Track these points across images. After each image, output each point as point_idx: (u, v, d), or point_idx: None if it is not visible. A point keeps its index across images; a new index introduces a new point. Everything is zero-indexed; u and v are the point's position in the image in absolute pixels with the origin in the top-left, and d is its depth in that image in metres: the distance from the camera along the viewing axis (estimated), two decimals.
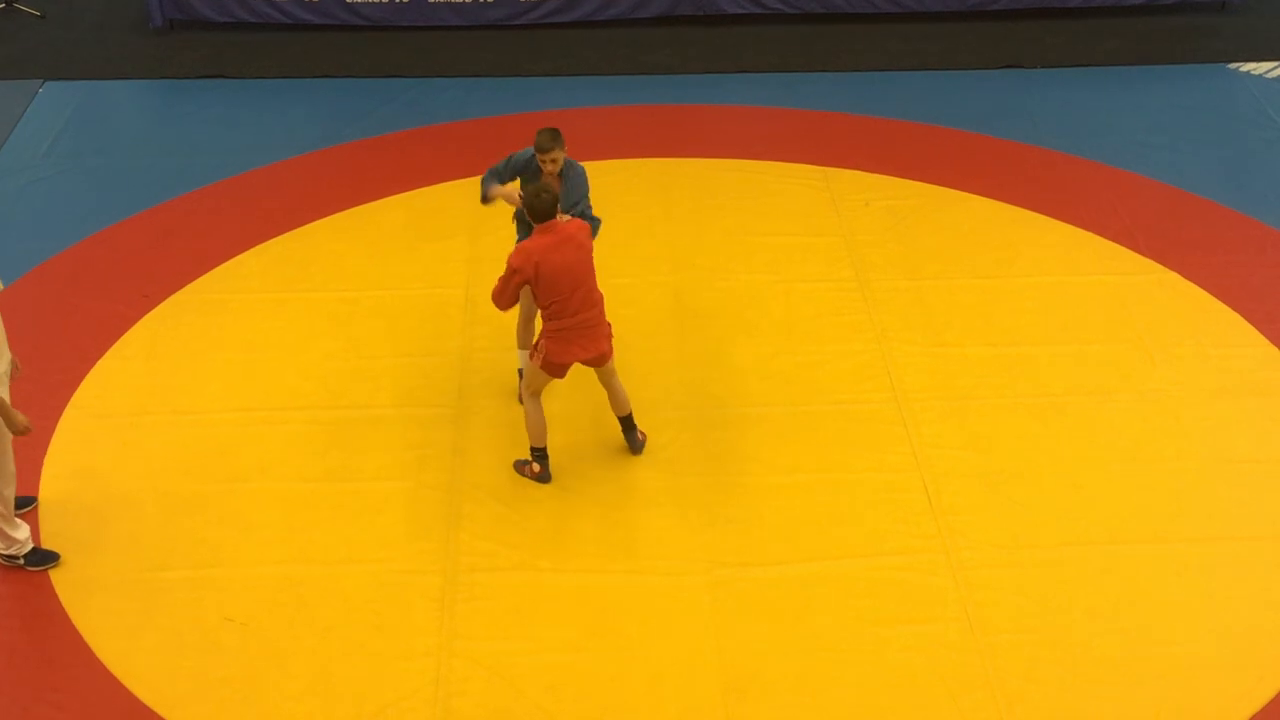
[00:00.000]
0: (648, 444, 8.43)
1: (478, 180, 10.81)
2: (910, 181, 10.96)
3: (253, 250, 10.16)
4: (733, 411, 8.72)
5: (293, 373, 9.04)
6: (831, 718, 6.92)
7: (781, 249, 10.17)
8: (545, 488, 8.18)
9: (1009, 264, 10.04)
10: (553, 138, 7.97)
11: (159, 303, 9.62)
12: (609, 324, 7.99)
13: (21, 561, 7.65)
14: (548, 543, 7.85)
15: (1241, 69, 12.75)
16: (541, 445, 8.17)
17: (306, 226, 10.43)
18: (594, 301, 7.80)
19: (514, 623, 7.39)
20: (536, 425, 8.11)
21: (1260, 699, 6.99)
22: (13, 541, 7.60)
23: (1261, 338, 9.32)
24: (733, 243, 10.23)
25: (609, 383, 8.20)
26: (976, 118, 11.88)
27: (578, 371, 8.33)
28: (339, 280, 9.88)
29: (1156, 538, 7.87)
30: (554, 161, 8.00)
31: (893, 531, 7.90)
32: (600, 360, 8.01)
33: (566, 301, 7.66)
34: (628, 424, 8.35)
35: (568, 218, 7.82)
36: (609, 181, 10.87)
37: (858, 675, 7.11)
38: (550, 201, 7.56)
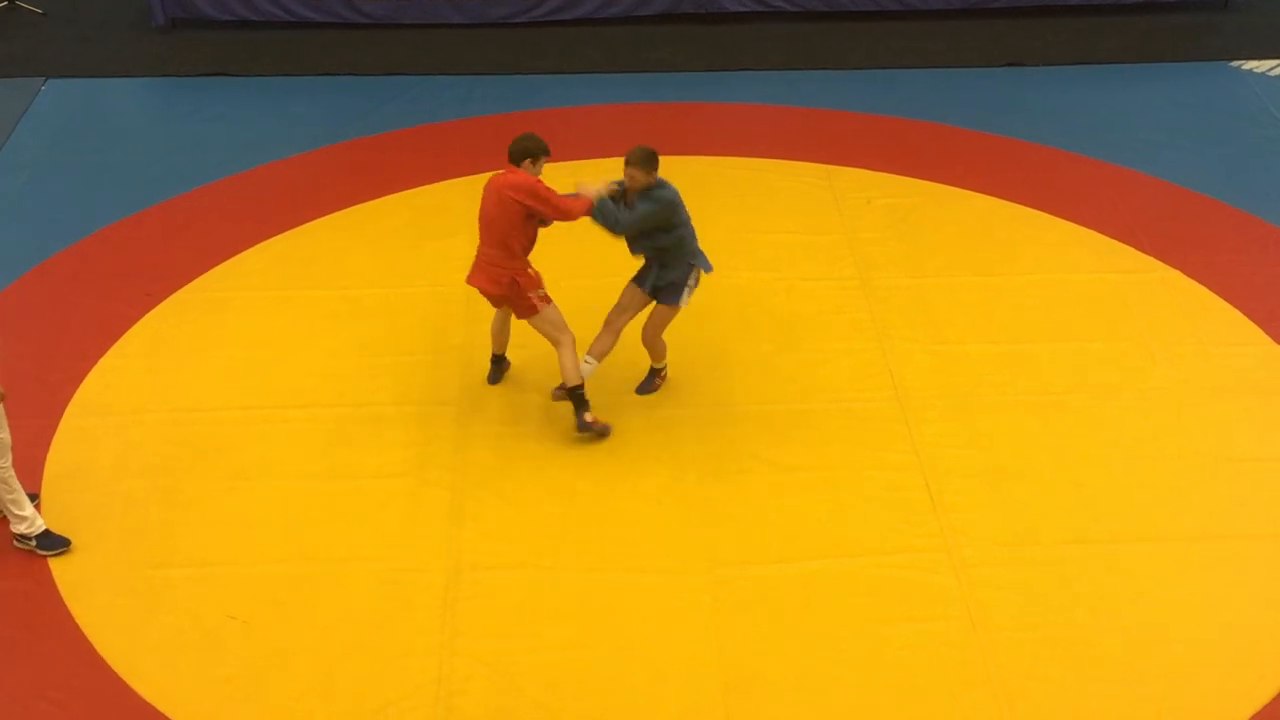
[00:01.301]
0: (650, 441, 8.43)
1: (479, 178, 10.89)
2: (912, 179, 10.96)
3: (255, 248, 10.16)
4: (734, 409, 8.72)
5: (294, 370, 9.04)
6: (832, 716, 6.92)
7: (783, 247, 10.18)
8: (548, 485, 8.17)
9: (1010, 262, 10.04)
10: (634, 157, 8.04)
11: (161, 300, 9.62)
12: (503, 272, 8.14)
13: (33, 543, 7.69)
14: (549, 541, 7.85)
15: (1243, 67, 12.74)
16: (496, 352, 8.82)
17: (308, 224, 10.43)
18: (492, 244, 8.07)
19: (516, 621, 7.40)
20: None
21: (1262, 698, 6.99)
22: (20, 519, 7.66)
23: (1264, 335, 9.31)
24: (734, 240, 10.22)
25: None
26: (978, 115, 11.88)
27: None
28: (341, 278, 9.88)
29: (1158, 536, 7.87)
30: (631, 179, 8.09)
31: (894, 530, 7.90)
32: (486, 295, 8.34)
33: (481, 231, 8.18)
34: (563, 394, 8.45)
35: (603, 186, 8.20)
36: (610, 180, 10.89)
37: (859, 674, 7.11)
38: (521, 147, 7.99)
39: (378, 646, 7.25)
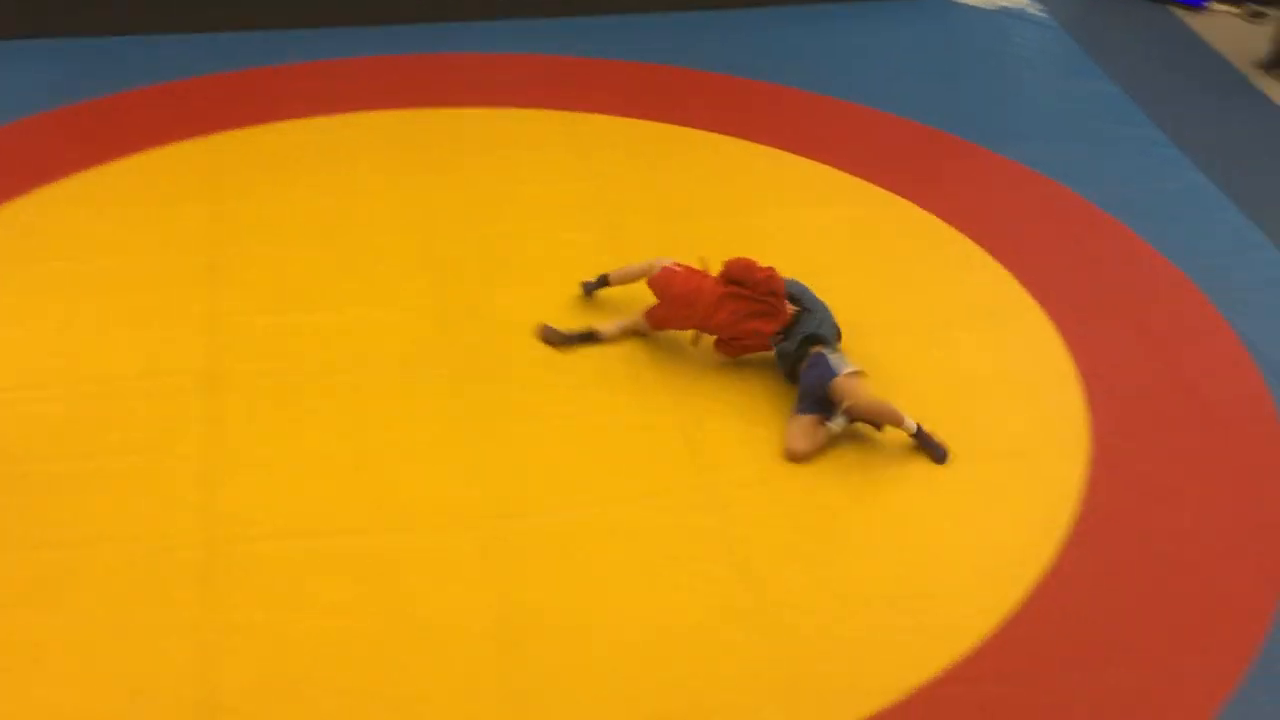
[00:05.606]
0: (399, 398, 8.33)
1: (211, 139, 10.56)
2: (657, 123, 11.04)
3: None
4: (493, 363, 8.66)
5: (22, 350, 8.59)
6: (608, 662, 6.97)
7: (532, 199, 10.12)
8: (304, 450, 7.98)
9: (755, 201, 10.22)
10: None
11: None
12: None
13: None
14: (309, 507, 7.68)
15: (965, 1, 13.22)
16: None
17: (32, 194, 9.91)
18: None
19: (279, 591, 7.21)
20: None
21: (1000, 611, 7.30)
22: None
23: (994, 262, 9.69)
24: (482, 193, 10.14)
25: None
26: (720, 58, 12.02)
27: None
28: (71, 249, 9.42)
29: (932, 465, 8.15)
30: None
31: (655, 473, 7.98)
32: None
33: None
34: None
35: None
36: (351, 135, 10.70)
37: (630, 618, 7.16)
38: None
39: (135, 630, 6.97)
